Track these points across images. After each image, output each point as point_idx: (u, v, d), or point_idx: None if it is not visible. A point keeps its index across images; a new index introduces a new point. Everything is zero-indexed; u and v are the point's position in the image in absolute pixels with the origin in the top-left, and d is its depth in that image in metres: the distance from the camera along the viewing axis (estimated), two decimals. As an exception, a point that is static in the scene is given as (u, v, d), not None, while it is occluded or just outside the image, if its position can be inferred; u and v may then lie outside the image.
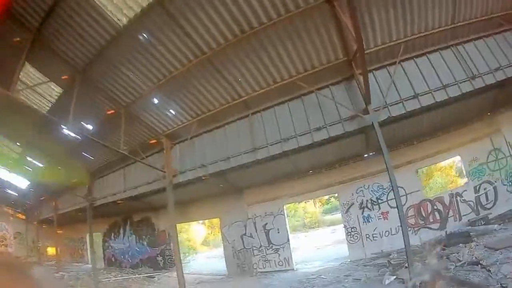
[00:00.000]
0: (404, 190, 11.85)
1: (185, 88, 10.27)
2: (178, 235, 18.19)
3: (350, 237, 12.39)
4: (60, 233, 22.06)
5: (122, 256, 18.27)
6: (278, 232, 13.36)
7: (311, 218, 25.71)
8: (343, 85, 9.81)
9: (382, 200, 12.15)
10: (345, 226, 12.60)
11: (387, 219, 12.00)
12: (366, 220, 12.24)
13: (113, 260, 18.78)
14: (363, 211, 12.31)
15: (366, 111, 9.07)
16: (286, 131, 9.75)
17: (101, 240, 19.57)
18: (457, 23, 9.74)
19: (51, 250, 22.35)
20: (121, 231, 18.29)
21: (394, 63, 9.64)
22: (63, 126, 10.90)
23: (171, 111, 11.05)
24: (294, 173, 13.11)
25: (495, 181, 11.86)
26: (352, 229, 12.37)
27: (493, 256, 8.01)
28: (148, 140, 11.88)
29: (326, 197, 27.18)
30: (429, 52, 9.97)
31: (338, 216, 23.93)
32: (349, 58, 9.41)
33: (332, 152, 12.05)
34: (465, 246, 9.47)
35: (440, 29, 9.70)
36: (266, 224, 13.57)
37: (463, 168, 12.62)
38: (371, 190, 12.30)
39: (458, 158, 18.43)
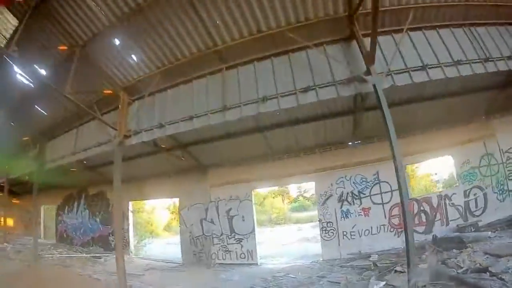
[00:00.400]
0: (390, 185, 9.27)
1: (152, 28, 7.45)
2: (135, 215, 14.98)
3: (325, 233, 9.57)
4: (16, 202, 18.21)
5: (74, 232, 14.68)
6: (243, 220, 10.38)
7: (278, 213, 22.48)
8: (340, 45, 7.16)
9: (364, 194, 9.48)
10: (320, 220, 9.79)
11: (368, 216, 9.33)
12: (344, 215, 9.49)
13: (65, 236, 15.13)
14: (342, 204, 9.57)
15: (368, 73, 6.42)
16: (265, 90, 6.92)
17: (55, 214, 15.92)
18: (470, 1, 7.75)
19: (3, 221, 18.29)
20: (75, 205, 14.72)
21: (401, 30, 7.10)
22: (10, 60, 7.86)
23: (133, 57, 8.11)
24: (267, 154, 10.34)
25: (486, 188, 9.58)
26: (328, 224, 9.58)
27: (499, 263, 6.17)
28: (103, 91, 8.73)
29: (295, 194, 24.68)
30: (440, 27, 7.61)
31: (305, 214, 21.49)
32: (351, 13, 6.83)
33: (313, 134, 9.43)
34: (461, 252, 7.28)
35: (454, 3, 7.63)
36: (230, 209, 10.58)
37: (454, 171, 10.12)
38: (353, 182, 9.60)
39: (433, 169, 16.78)
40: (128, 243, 12.49)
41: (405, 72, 6.88)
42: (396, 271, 6.51)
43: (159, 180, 11.76)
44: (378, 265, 6.96)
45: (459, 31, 7.68)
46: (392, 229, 9.05)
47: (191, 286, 8.24)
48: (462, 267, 6.58)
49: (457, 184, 9.72)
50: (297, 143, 9.75)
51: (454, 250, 7.63)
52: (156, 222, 19.10)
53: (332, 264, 8.48)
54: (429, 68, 6.91)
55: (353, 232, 9.28)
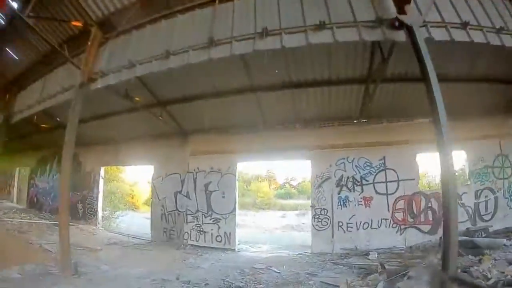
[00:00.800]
0: (397, 174, 7.31)
1: None
2: (111, 184, 12.76)
3: (317, 222, 7.49)
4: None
5: (44, 197, 12.34)
6: (223, 197, 8.24)
7: (263, 198, 19.99)
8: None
9: (367, 181, 7.44)
10: (312, 206, 7.72)
11: (369, 207, 7.32)
12: (342, 203, 7.44)
13: (35, 200, 12.78)
14: (340, 190, 7.51)
15: (402, 12, 4.40)
16: (265, 23, 4.80)
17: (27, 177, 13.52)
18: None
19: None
20: (48, 168, 12.34)
21: (436, -17, 5.10)
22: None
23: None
24: (258, 122, 8.19)
25: (498, 191, 7.67)
26: (322, 212, 7.51)
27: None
28: (72, 22, 6.52)
29: (282, 182, 22.61)
30: (479, -8, 5.61)
31: (291, 202, 19.42)
32: None
33: (314, 103, 7.37)
34: (480, 260, 5.36)
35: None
36: (210, 183, 8.41)
37: (466, 168, 8.16)
38: (356, 166, 7.55)
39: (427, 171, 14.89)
40: (96, 212, 10.25)
41: (442, 26, 4.86)
42: (410, 277, 4.48)
43: (134, 144, 9.41)
44: (386, 267, 4.89)
45: (499, 2, 5.78)
46: (394, 225, 7.06)
47: (150, 270, 6.10)
48: (489, 278, 4.78)
49: (469, 182, 7.79)
50: (294, 112, 7.65)
51: (470, 256, 5.86)
52: (137, 195, 16.74)
53: (324, 259, 6.43)
54: (469, 28, 4.96)
55: (350, 223, 7.26)
